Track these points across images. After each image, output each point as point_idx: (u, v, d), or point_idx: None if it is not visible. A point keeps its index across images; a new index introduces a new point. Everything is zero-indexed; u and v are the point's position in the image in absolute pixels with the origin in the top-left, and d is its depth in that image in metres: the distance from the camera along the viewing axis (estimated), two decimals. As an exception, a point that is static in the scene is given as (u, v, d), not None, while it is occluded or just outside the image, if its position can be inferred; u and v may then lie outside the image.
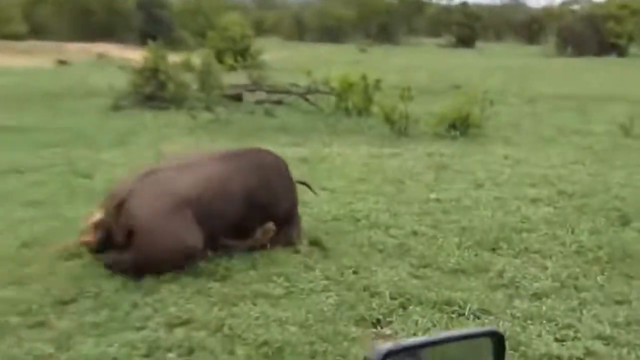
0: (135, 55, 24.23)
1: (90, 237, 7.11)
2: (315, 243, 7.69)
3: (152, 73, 19.36)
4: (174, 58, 22.40)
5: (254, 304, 6.06)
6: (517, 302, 6.15)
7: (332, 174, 11.19)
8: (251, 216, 7.42)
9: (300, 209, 8.31)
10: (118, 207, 6.75)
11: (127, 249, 6.71)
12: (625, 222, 8.64)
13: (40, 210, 8.99)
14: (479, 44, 76.21)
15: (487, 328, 3.81)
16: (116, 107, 18.74)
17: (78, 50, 44.95)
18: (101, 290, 6.33)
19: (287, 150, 12.85)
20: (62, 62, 37.53)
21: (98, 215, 7.06)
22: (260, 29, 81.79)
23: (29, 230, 8.10)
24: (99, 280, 6.56)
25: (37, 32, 58.54)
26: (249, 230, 7.46)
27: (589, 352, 5.30)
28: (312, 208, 8.96)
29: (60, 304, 6.08)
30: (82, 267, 6.98)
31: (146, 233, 6.69)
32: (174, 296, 6.20)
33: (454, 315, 5.88)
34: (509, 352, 4.56)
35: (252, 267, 6.96)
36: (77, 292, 6.30)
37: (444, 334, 2.49)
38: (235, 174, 7.37)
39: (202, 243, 6.91)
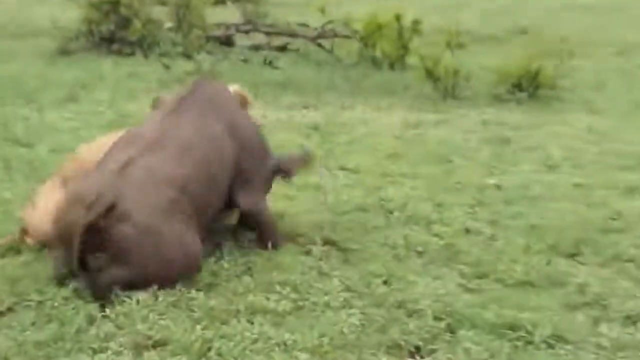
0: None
1: (38, 234, 7.19)
2: (331, 242, 7.73)
3: (112, 6, 19.36)
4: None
5: (251, 322, 6.06)
6: (603, 328, 6.13)
7: (355, 148, 11.24)
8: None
9: (311, 196, 8.33)
10: (106, 212, 6.72)
11: (111, 262, 6.72)
12: None
13: (-37, 188, 9.04)
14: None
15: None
16: (64, 51, 18.79)
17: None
18: (46, 298, 6.34)
19: (294, 115, 12.90)
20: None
21: (53, 200, 7.09)
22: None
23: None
24: (44, 284, 6.57)
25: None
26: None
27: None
28: (327, 194, 8.97)
29: (-8, 316, 6.10)
30: (21, 266, 7.03)
31: (147, 244, 6.73)
32: (143, 309, 6.19)
33: (519, 343, 5.86)
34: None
35: (248, 272, 6.99)
36: (14, 301, 6.34)
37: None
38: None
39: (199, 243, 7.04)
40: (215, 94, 8.06)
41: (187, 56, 17.96)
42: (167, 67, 16.81)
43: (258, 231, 7.78)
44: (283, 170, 8.05)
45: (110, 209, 6.54)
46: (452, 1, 33.79)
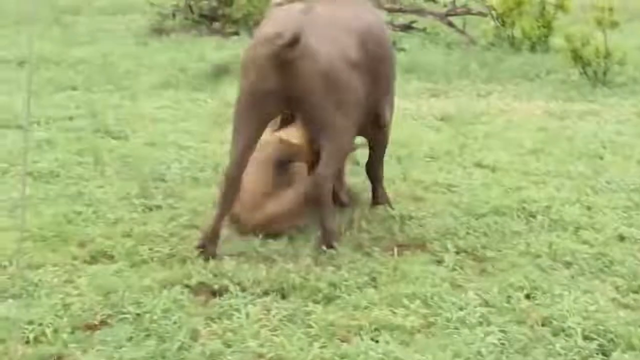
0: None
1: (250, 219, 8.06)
2: (466, 250, 7.82)
3: (214, -23, 19.52)
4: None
5: (375, 340, 6.13)
6: None
7: (492, 143, 11.24)
8: None
9: (442, 197, 8.43)
10: (290, 44, 7.12)
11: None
12: None
13: (51, 186, 9.28)
14: None
15: None
16: (159, 30, 18.99)
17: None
18: (144, 310, 6.47)
19: (422, 104, 12.92)
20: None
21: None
22: None
23: (36, 216, 8.33)
24: (140, 294, 6.72)
25: None
26: None
27: None
28: (460, 195, 9.05)
29: (84, 329, 6.26)
30: (115, 274, 7.18)
31: (329, 86, 7.49)
32: (254, 324, 6.31)
33: (683, 368, 5.87)
34: None
35: (372, 283, 7.10)
36: (108, 313, 6.47)
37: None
38: None
39: None
40: None
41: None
42: (276, 47, 16.85)
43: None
44: None
45: (295, 41, 7.10)
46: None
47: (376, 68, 8.00)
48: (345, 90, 7.51)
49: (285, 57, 7.14)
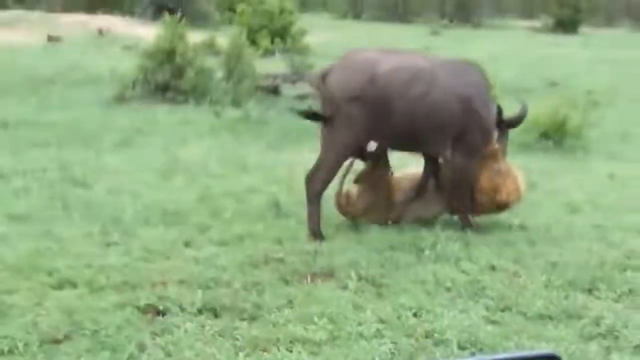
0: (147, 32, 24.54)
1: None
2: (367, 278, 7.93)
3: (166, 56, 19.56)
4: (195, 37, 22.63)
5: (290, 350, 6.28)
6: (615, 356, 6.32)
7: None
8: None
9: (349, 234, 8.56)
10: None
11: None
12: None
13: (25, 225, 9.30)
14: (584, 29, 75.83)
15: (545, 351, 4.03)
16: (121, 99, 19.03)
17: (73, 24, 45.34)
18: (100, 326, 6.57)
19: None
20: (53, 39, 37.96)
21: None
22: (306, 3, 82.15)
23: (13, 250, 8.39)
24: (98, 314, 6.82)
25: (23, -1, 59.35)
26: None
27: None
28: (361, 234, 9.18)
29: (51, 343, 6.34)
30: (76, 297, 7.26)
31: None
32: (190, 337, 6.45)
33: (536, 371, 6.01)
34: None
35: (289, 305, 7.21)
36: (70, 329, 6.56)
37: (499, 356, 2.71)
38: None
39: None
40: None
41: (237, 104, 18.13)
42: (217, 114, 16.98)
43: None
44: None
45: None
46: (491, 53, 33.95)
47: None
48: None
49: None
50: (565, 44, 52.00)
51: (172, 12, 22.00)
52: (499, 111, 9.74)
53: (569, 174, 12.86)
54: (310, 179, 9.28)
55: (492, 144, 9.61)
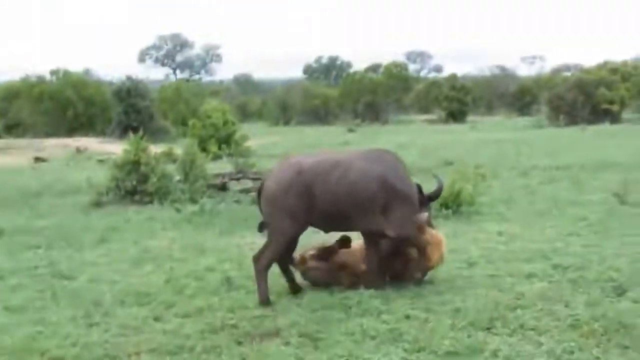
0: (116, 148, 24.47)
1: None
2: (306, 334, 7.85)
3: (133, 166, 19.47)
4: (156, 149, 22.64)
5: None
6: (511, 381, 6.28)
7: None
8: None
9: (288, 300, 8.49)
10: None
11: None
12: (620, 292, 8.84)
13: (21, 315, 9.11)
14: (470, 117, 76.89)
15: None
16: (97, 204, 18.89)
17: (56, 146, 45.26)
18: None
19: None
20: (39, 160, 37.75)
21: None
22: (245, 114, 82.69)
23: (10, 336, 8.22)
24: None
25: (13, 128, 59.20)
26: None
27: None
28: (300, 297, 9.13)
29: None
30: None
31: None
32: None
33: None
34: None
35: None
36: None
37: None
38: None
39: None
40: None
41: (193, 201, 18.10)
42: (178, 210, 16.93)
43: None
44: None
45: None
46: (397, 143, 34.29)
47: None
48: None
49: None
50: (456, 130, 52.72)
51: (135, 130, 22.00)
52: (419, 189, 9.80)
53: (466, 235, 12.89)
54: (257, 258, 9.33)
55: (418, 217, 9.65)
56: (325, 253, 9.88)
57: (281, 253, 9.42)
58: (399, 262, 9.75)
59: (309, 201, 9.09)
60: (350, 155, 9.62)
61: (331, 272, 9.76)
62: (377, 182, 9.23)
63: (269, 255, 9.27)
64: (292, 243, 9.61)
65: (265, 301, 9.09)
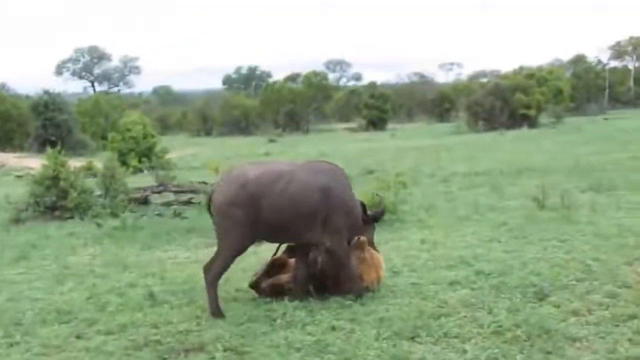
0: (35, 163, 24.10)
1: None
2: (231, 348, 7.82)
3: (52, 181, 19.17)
4: (75, 163, 22.37)
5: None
6: (437, 389, 6.31)
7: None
8: None
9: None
10: None
11: None
12: (542, 297, 8.97)
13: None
14: (391, 125, 77.48)
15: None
16: (16, 220, 18.55)
17: (-28, 162, 44.44)
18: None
19: (199, 253, 12.95)
20: (-45, 176, 37.07)
21: None
22: (165, 126, 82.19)
23: None
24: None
25: None
26: None
27: None
28: (225, 311, 9.08)
29: None
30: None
31: None
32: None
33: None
34: None
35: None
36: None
37: None
38: None
39: None
40: None
41: (114, 215, 17.92)
42: (99, 225, 16.71)
43: None
44: None
45: None
46: (318, 152, 34.38)
47: None
48: None
49: None
50: (377, 138, 53.10)
51: (54, 144, 21.69)
52: (364, 208, 9.88)
53: (389, 243, 12.89)
54: (207, 268, 9.29)
55: (359, 233, 9.72)
56: (272, 269, 9.93)
57: (230, 264, 9.41)
58: (331, 279, 9.74)
59: (255, 213, 9.09)
60: (293, 165, 9.66)
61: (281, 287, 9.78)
62: (320, 192, 9.28)
63: (219, 266, 9.23)
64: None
65: (216, 312, 9.04)
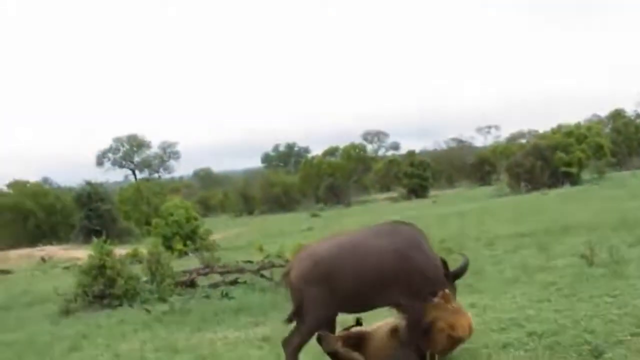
0: (81, 253, 24.33)
1: None
2: None
3: (99, 270, 19.41)
4: (121, 251, 22.58)
5: None
6: None
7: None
8: None
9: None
10: None
11: None
12: (597, 355, 8.86)
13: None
14: (432, 192, 77.40)
15: None
16: (66, 312, 18.75)
17: (20, 257, 44.97)
18: None
19: (249, 332, 12.95)
20: (4, 272, 37.41)
21: None
22: (207, 208, 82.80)
23: None
24: None
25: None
26: None
27: None
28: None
29: None
30: None
31: None
32: None
33: None
34: None
35: None
36: None
37: None
38: None
39: None
40: None
41: (162, 300, 18.04)
42: (148, 311, 16.82)
43: None
44: None
45: None
46: (361, 224, 34.25)
47: None
48: None
49: None
50: (418, 206, 53.07)
51: (99, 234, 21.93)
52: (445, 264, 9.89)
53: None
54: (286, 343, 9.36)
55: (443, 288, 9.65)
56: (352, 339, 9.87)
57: (309, 338, 9.43)
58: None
59: (331, 289, 9.14)
60: (366, 232, 9.71)
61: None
62: (394, 255, 9.27)
63: (298, 340, 9.29)
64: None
65: None
